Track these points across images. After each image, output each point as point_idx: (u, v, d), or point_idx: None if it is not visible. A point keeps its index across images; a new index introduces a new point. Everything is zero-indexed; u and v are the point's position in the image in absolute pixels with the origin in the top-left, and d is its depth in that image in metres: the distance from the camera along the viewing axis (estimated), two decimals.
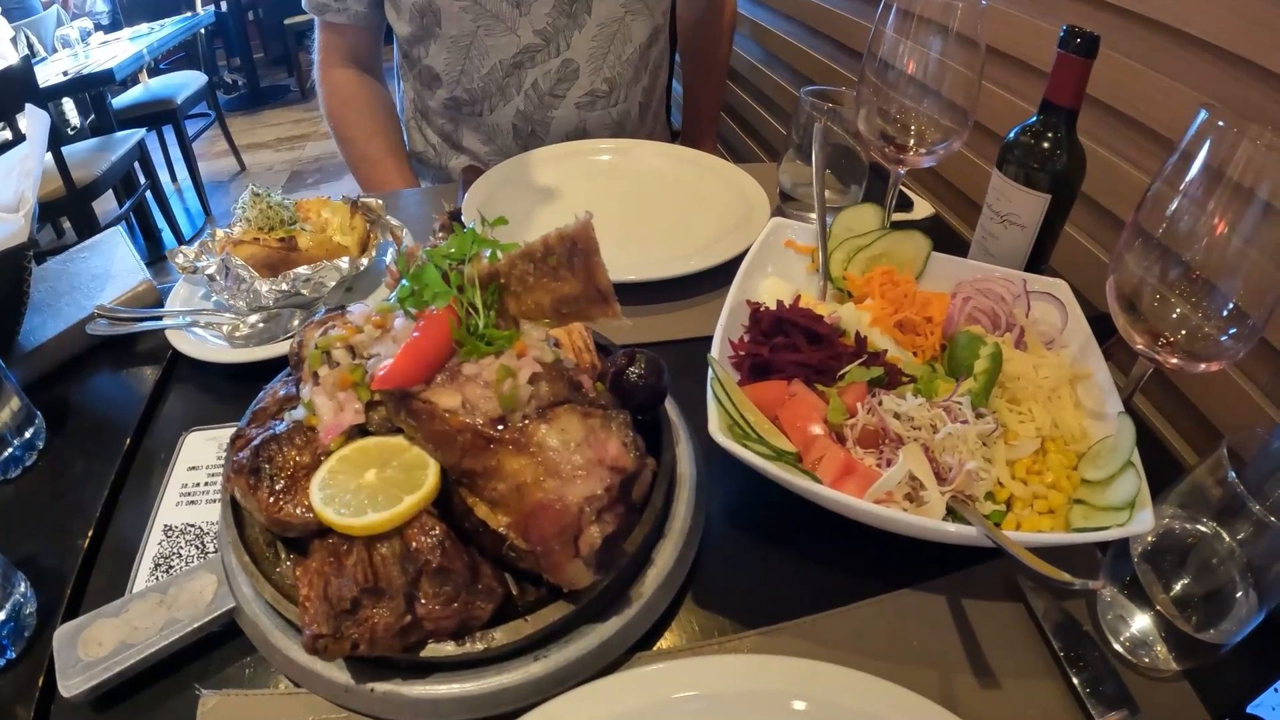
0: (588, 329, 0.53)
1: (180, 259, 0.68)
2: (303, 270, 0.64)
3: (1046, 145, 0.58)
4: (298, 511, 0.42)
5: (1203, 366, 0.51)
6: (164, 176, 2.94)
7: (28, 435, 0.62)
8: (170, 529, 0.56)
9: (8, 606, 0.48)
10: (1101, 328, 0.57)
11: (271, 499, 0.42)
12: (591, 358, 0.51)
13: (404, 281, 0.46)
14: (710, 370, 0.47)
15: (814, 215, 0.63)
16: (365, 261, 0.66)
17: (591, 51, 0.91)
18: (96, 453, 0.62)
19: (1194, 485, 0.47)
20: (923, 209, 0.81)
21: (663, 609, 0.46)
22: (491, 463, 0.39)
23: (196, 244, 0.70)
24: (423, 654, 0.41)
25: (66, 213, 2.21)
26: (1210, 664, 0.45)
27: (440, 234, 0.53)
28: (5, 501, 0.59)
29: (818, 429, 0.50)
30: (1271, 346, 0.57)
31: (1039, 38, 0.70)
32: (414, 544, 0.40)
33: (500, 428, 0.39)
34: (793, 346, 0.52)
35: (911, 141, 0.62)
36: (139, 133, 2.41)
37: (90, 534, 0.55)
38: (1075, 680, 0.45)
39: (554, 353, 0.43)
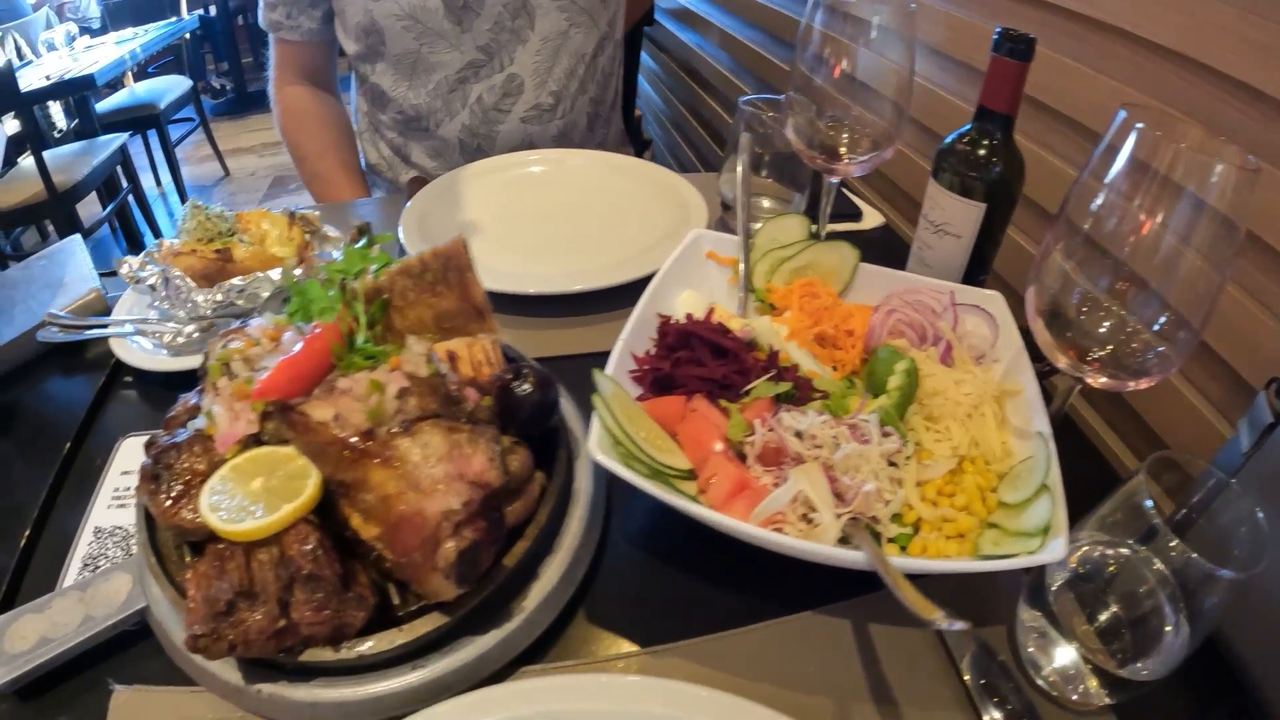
0: (495, 342, 0.57)
1: (124, 269, 0.75)
2: (237, 281, 0.70)
3: (982, 152, 0.60)
4: (190, 516, 0.47)
5: (1132, 385, 0.51)
6: (148, 181, 3.11)
7: None
8: (100, 531, 0.62)
9: None
10: None
11: (168, 503, 0.48)
12: (493, 371, 0.55)
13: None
14: (599, 382, 0.50)
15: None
16: (299, 273, 0.71)
17: (536, 66, 0.96)
18: (39, 457, 0.68)
19: (1114, 511, 0.47)
20: (872, 218, 0.82)
21: (547, 624, 0.49)
22: (360, 475, 0.43)
23: (143, 254, 0.77)
24: (301, 658, 0.45)
25: (49, 216, 2.35)
26: (1141, 696, 0.44)
27: (351, 248, 0.57)
28: None
29: (718, 446, 0.52)
30: (1223, 360, 0.57)
31: (984, 40, 0.70)
32: (289, 551, 0.44)
33: (367, 440, 0.43)
34: (697, 360, 0.55)
35: (843, 150, 0.64)
36: (121, 137, 2.55)
37: (27, 534, 0.61)
38: (985, 716, 0.46)
39: (432, 367, 0.47)
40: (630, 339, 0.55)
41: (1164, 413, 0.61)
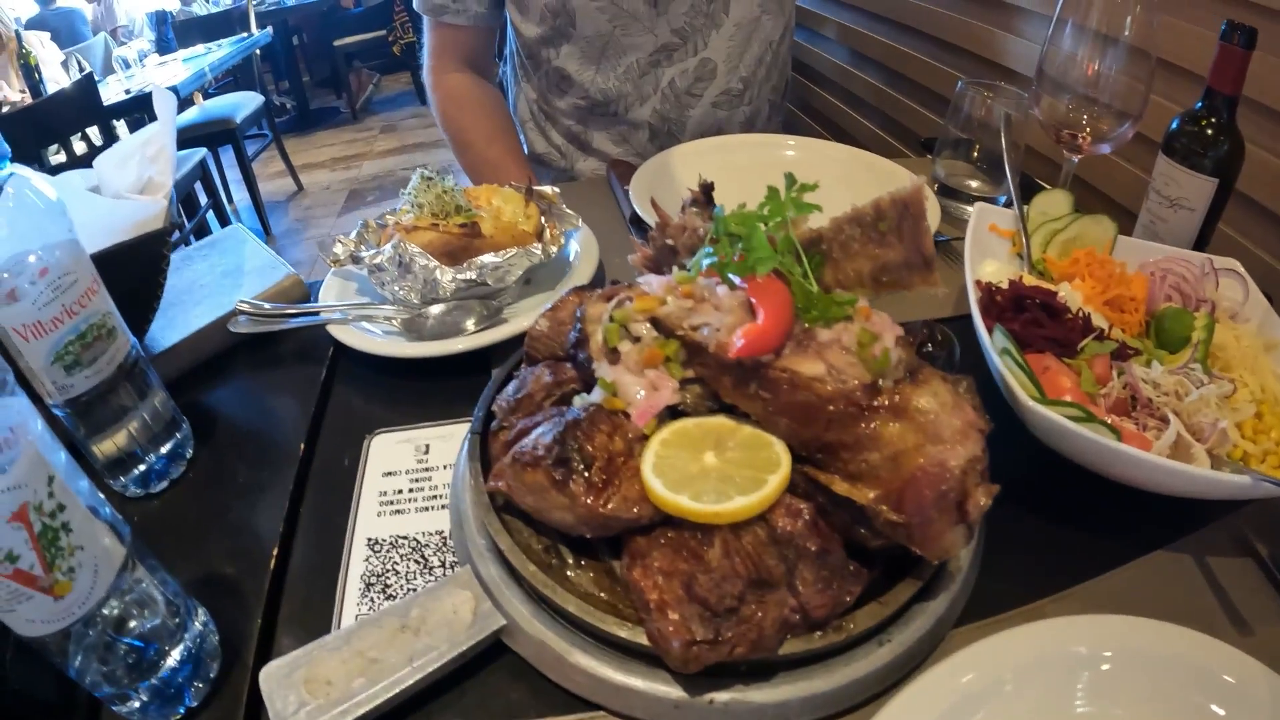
0: None
1: (338, 249, 0.60)
2: (489, 258, 0.57)
3: (1210, 131, 0.61)
4: (628, 504, 0.36)
5: None
6: (221, 197, 2.74)
7: (172, 444, 0.52)
8: (376, 543, 0.48)
9: (185, 643, 0.37)
10: None
11: (590, 493, 0.36)
12: None
13: (705, 250, 0.42)
14: (997, 340, 0.45)
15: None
16: (555, 249, 0.60)
17: (729, 51, 0.88)
18: (261, 462, 0.52)
19: None
20: None
21: (974, 581, 0.43)
22: (865, 432, 0.35)
23: (354, 233, 0.62)
24: (782, 650, 0.36)
25: None
26: None
27: (693, 209, 0.49)
28: (152, 521, 0.48)
29: (1068, 400, 0.49)
30: None
31: (1180, 36, 0.70)
32: (782, 527, 0.35)
33: (874, 394, 0.35)
34: (1037, 322, 0.51)
35: (1086, 130, 0.64)
36: (200, 151, 2.24)
37: (276, 553, 0.46)
38: None
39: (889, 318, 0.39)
40: (976, 305, 0.51)
41: None
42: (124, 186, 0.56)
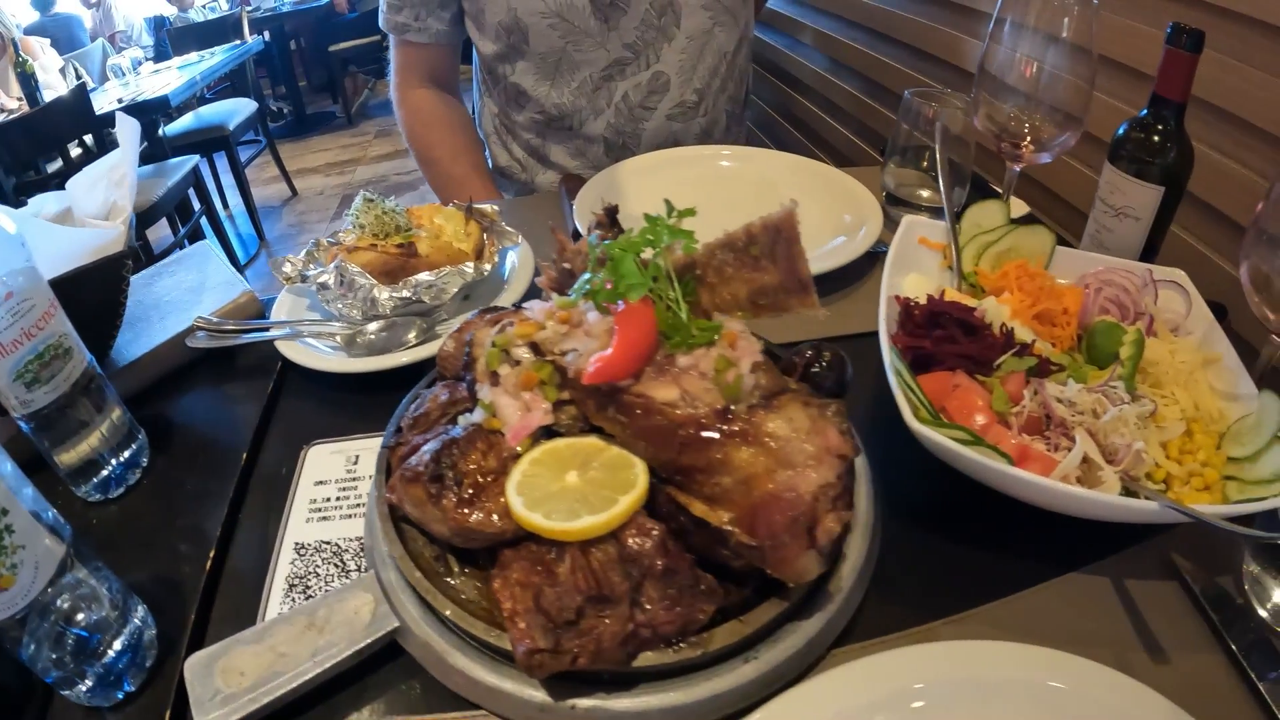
0: None
1: (287, 268, 0.64)
2: (425, 277, 0.60)
3: (1157, 139, 0.59)
4: (492, 519, 0.38)
5: None
6: (215, 203, 2.86)
7: (130, 453, 0.57)
8: (303, 547, 0.51)
9: (126, 634, 0.42)
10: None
11: (460, 507, 0.39)
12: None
13: (586, 275, 0.43)
14: (890, 359, 0.45)
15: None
16: (488, 267, 0.63)
17: (681, 64, 0.89)
18: (209, 470, 0.57)
19: None
20: (1018, 208, 0.81)
21: (859, 602, 0.43)
22: (716, 456, 0.36)
23: (303, 253, 0.66)
24: (636, 663, 0.37)
25: None
26: None
27: (598, 230, 0.50)
28: (109, 523, 0.53)
29: (982, 418, 0.48)
30: None
31: (1132, 37, 0.69)
32: (632, 546, 0.36)
33: (725, 420, 0.36)
34: (951, 338, 0.51)
35: (1028, 139, 0.62)
36: (193, 159, 2.34)
37: (212, 555, 0.50)
38: (1234, 646, 0.43)
39: (759, 343, 0.40)
40: (887, 321, 0.50)
41: None
42: (92, 208, 0.61)
